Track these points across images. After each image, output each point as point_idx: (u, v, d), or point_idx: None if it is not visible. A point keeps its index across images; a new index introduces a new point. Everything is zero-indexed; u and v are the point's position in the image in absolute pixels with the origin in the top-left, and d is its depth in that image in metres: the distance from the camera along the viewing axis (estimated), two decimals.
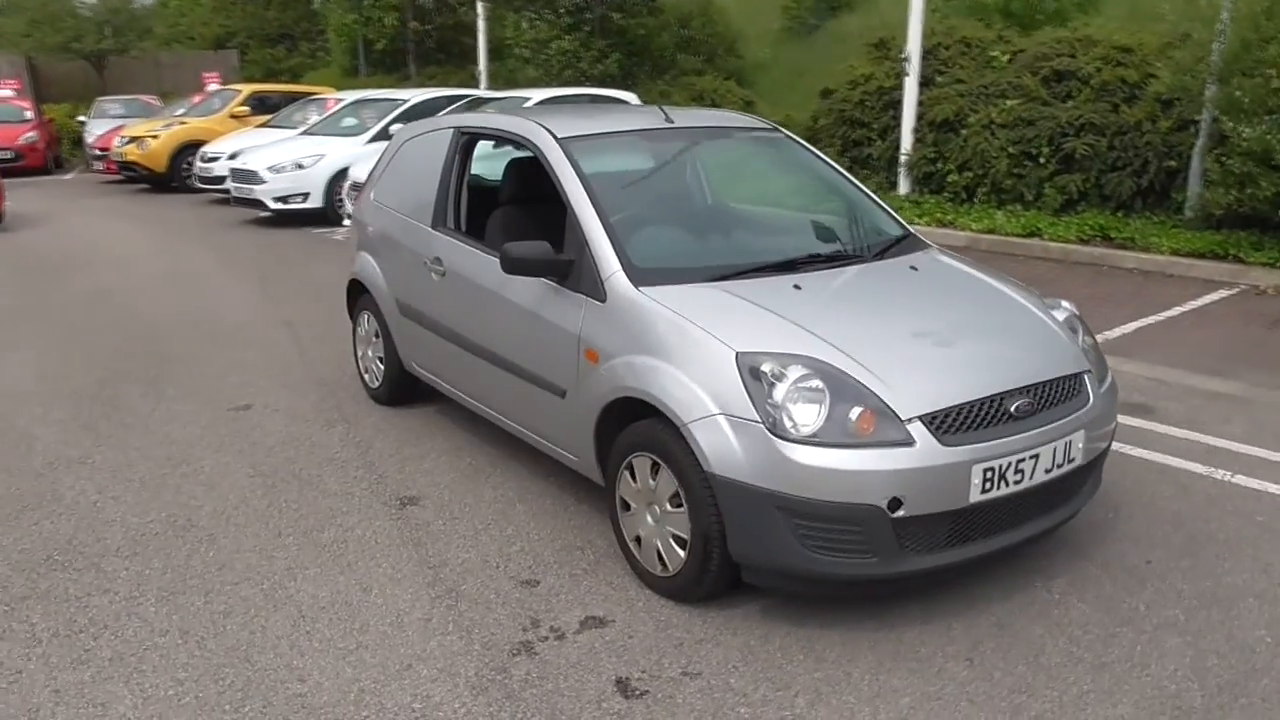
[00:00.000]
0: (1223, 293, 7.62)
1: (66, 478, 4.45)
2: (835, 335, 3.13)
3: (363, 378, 5.49)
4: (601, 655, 3.01)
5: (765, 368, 2.97)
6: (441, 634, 3.14)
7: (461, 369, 4.39)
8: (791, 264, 3.67)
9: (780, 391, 2.93)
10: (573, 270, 3.61)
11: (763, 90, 18.15)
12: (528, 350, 3.83)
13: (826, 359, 3.00)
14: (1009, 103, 10.06)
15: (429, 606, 3.31)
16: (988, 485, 2.98)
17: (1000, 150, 9.94)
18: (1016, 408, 3.08)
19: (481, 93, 12.87)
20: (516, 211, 4.57)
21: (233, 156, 12.84)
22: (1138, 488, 4.11)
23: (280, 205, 11.69)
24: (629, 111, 5.17)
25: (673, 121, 4.31)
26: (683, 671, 2.92)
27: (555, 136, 3.98)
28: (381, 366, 5.23)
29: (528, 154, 4.58)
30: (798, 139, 4.62)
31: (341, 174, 11.31)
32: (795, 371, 2.95)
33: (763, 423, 2.90)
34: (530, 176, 4.54)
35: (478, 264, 4.16)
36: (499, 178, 4.76)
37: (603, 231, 3.57)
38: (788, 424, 2.90)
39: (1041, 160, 9.76)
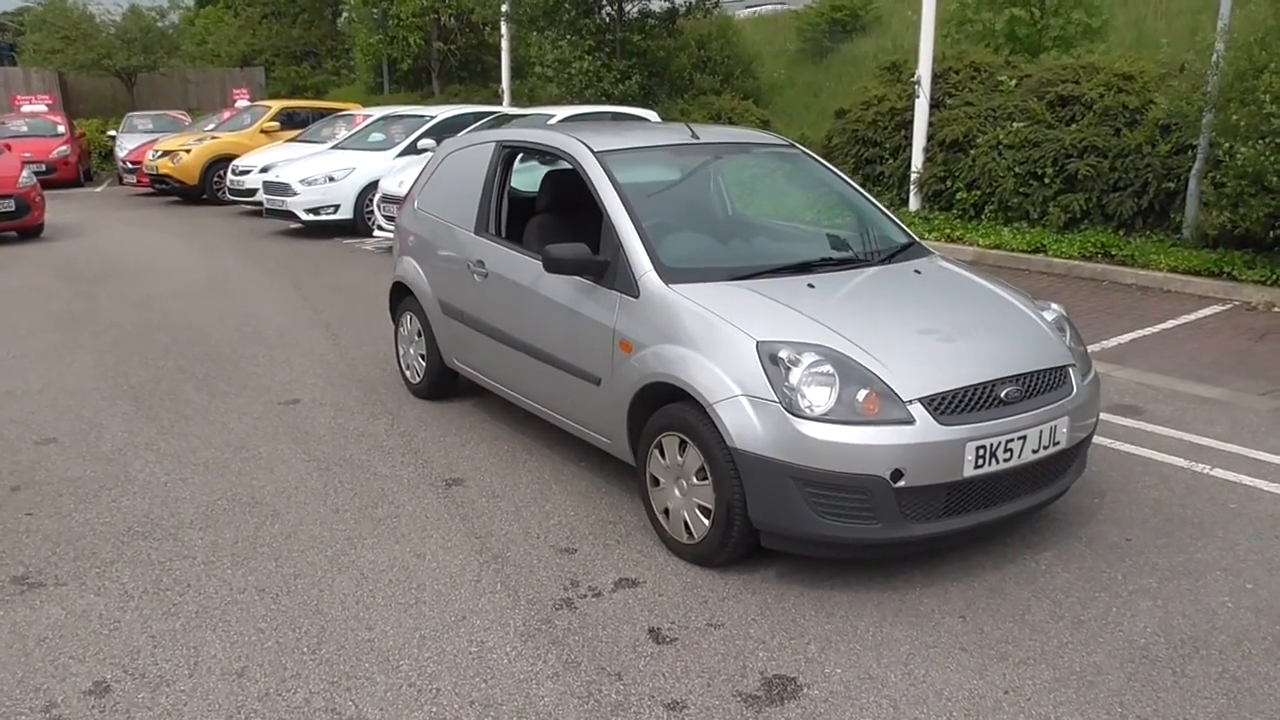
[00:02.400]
0: (1216, 308, 7.97)
1: (136, 462, 4.85)
2: (844, 327, 3.52)
3: (404, 374, 5.89)
4: (635, 609, 3.38)
5: (782, 354, 3.36)
6: (490, 592, 3.52)
7: (502, 363, 4.78)
8: (806, 266, 4.07)
9: (795, 375, 3.31)
10: (608, 270, 4.01)
11: (778, 110, 18.60)
12: (565, 343, 4.22)
13: (836, 347, 3.38)
14: (1016, 125, 10.45)
15: (478, 570, 3.69)
16: (980, 461, 3.35)
17: (1007, 170, 10.33)
18: (1006, 394, 3.45)
19: (507, 110, 13.33)
20: (552, 219, 4.98)
21: (265, 170, 13.32)
22: (1123, 478, 4.47)
23: (311, 216, 12.14)
24: (657, 128, 5.58)
25: (698, 137, 4.73)
26: (708, 623, 3.29)
27: (592, 150, 4.39)
28: (423, 363, 5.63)
29: (564, 166, 5.01)
30: (812, 154, 5.02)
31: (371, 187, 11.77)
32: (809, 357, 3.33)
33: (780, 402, 3.29)
34: (566, 187, 4.96)
35: (518, 266, 4.56)
36: (533, 188, 5.17)
37: (636, 235, 3.97)
38: (802, 404, 3.28)
39: (1046, 180, 10.14)
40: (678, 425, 3.63)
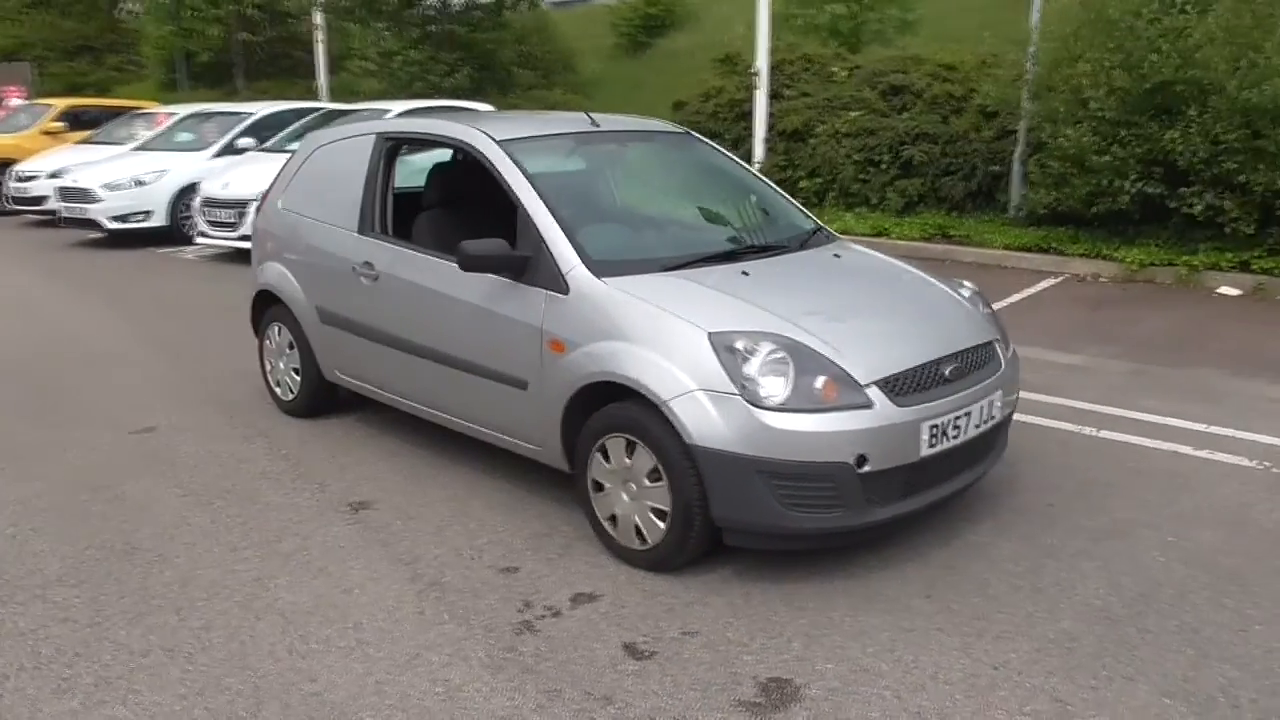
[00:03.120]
0: (1050, 281, 8.49)
1: None
2: (790, 314, 3.44)
3: (273, 391, 5.41)
4: (601, 625, 3.18)
5: (739, 345, 3.24)
6: (439, 623, 3.23)
7: (402, 373, 4.44)
8: (733, 254, 3.97)
9: (753, 366, 3.20)
10: (528, 266, 3.77)
11: (601, 105, 18.51)
12: (483, 347, 3.94)
13: (789, 334, 3.29)
14: (852, 114, 10.79)
15: (417, 600, 3.38)
16: (933, 440, 3.35)
17: (846, 158, 10.66)
18: (950, 371, 3.47)
19: (336, 105, 12.60)
20: (443, 215, 4.68)
21: (56, 175, 12.08)
22: (1026, 446, 4.62)
23: (118, 225, 11.10)
24: (555, 116, 5.37)
25: (598, 125, 4.54)
26: (682, 631, 3.13)
27: (496, 139, 4.13)
28: (298, 378, 5.18)
29: (447, 158, 4.72)
30: (708, 141, 4.94)
31: (188, 190, 10.87)
32: (765, 347, 3.23)
33: (740, 395, 3.17)
34: (456, 180, 4.68)
35: (419, 266, 4.24)
36: (410, 184, 4.84)
37: (558, 228, 3.75)
38: (762, 394, 3.17)
39: (883, 166, 10.52)
40: (624, 426, 3.45)
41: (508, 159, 4.03)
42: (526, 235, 3.81)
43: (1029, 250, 9.07)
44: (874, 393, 3.24)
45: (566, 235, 3.73)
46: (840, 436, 3.17)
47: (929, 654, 2.97)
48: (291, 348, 5.17)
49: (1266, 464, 4.37)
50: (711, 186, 4.70)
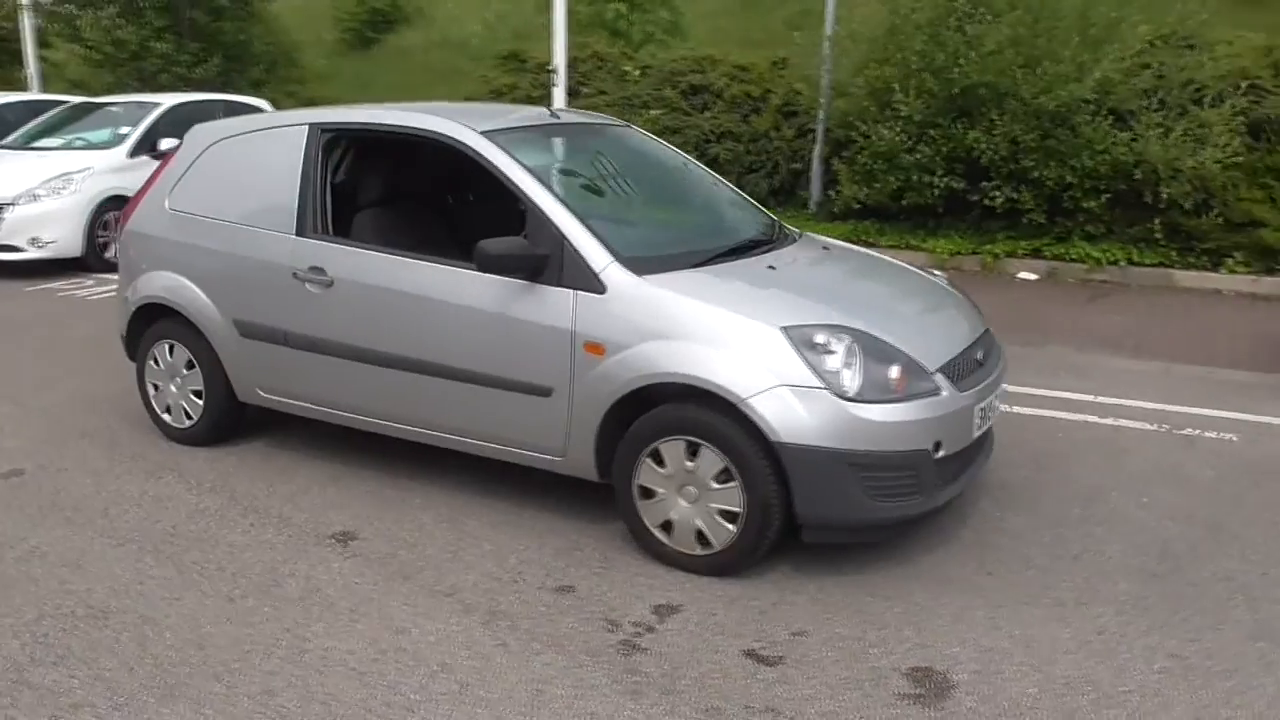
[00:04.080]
0: None
1: None
2: (843, 306, 3.46)
3: (161, 419, 4.69)
4: (706, 636, 3.05)
5: (819, 339, 3.21)
6: (534, 654, 2.96)
7: (365, 387, 4.01)
8: (736, 249, 3.92)
9: (835, 359, 3.19)
10: (547, 266, 3.53)
11: (336, 100, 17.49)
12: (492, 354, 3.64)
13: (858, 326, 3.31)
14: (653, 113, 10.98)
15: (487, 632, 3.08)
16: (980, 423, 3.51)
17: None
18: (980, 356, 3.64)
19: (93, 99, 10.96)
20: (389, 213, 4.31)
21: None
22: None
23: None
24: (516, 108, 5.10)
25: (558, 117, 4.34)
26: (790, 633, 3.07)
27: (478, 131, 3.83)
28: (199, 401, 4.53)
29: (383, 152, 4.36)
30: (652, 135, 4.86)
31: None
32: (844, 339, 3.23)
33: (827, 389, 3.15)
34: (402, 175, 4.32)
35: (397, 270, 3.85)
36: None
37: (579, 224, 3.54)
38: (845, 387, 3.17)
39: None
40: (686, 428, 3.32)
41: (502, 152, 3.75)
42: (540, 233, 3.56)
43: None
44: (940, 379, 3.33)
45: (591, 232, 3.53)
46: (920, 424, 3.23)
47: (1034, 628, 3.10)
48: (190, 367, 4.51)
49: (1165, 426, 4.94)
50: (681, 180, 4.61)
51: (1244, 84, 8.38)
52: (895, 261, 4.37)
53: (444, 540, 3.69)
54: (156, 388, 4.68)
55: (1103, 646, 2.99)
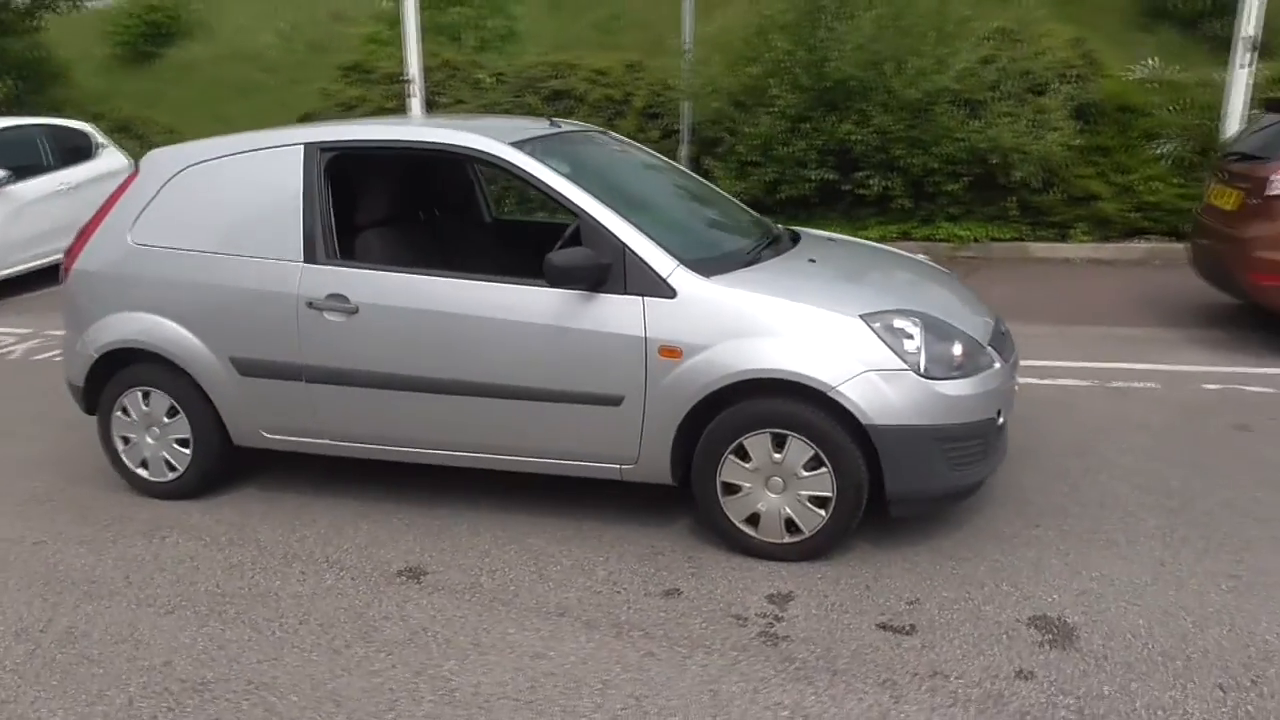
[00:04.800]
0: None
1: None
2: (896, 292, 3.68)
3: (134, 474, 4.31)
4: (833, 616, 3.17)
5: (896, 323, 3.40)
6: (688, 658, 2.98)
7: (398, 416, 3.86)
8: (765, 247, 4.06)
9: (913, 341, 3.39)
10: (608, 275, 3.54)
11: (130, 119, 16.19)
12: (554, 368, 3.61)
13: (920, 309, 3.53)
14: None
15: (624, 644, 3.07)
16: (1013, 394, 3.81)
17: None
18: (1004, 330, 3.95)
19: None
20: (391, 233, 4.19)
21: None
22: None
23: None
24: (515, 119, 5.03)
25: (559, 126, 4.34)
26: (906, 602, 3.24)
27: (508, 143, 3.79)
28: (186, 451, 4.21)
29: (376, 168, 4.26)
30: (628, 141, 4.93)
31: None
32: (916, 322, 3.43)
33: (911, 370, 3.34)
34: (400, 191, 4.23)
35: (437, 290, 3.73)
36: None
37: (637, 231, 3.58)
38: (924, 366, 3.38)
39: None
40: (772, 421, 3.43)
41: (540, 164, 3.72)
42: (598, 242, 3.56)
43: None
44: (992, 353, 3.60)
45: (650, 238, 3.57)
46: (986, 395, 3.48)
47: (1106, 568, 3.41)
48: (173, 414, 4.18)
49: (1096, 381, 5.48)
50: (681, 183, 4.69)
51: (1070, 73, 9.31)
52: (893, 249, 4.63)
53: (518, 562, 3.63)
54: (127, 440, 4.30)
55: (1171, 577, 3.33)
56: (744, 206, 4.85)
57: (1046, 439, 4.61)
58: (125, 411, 4.26)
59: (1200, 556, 3.46)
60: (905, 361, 3.34)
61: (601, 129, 4.93)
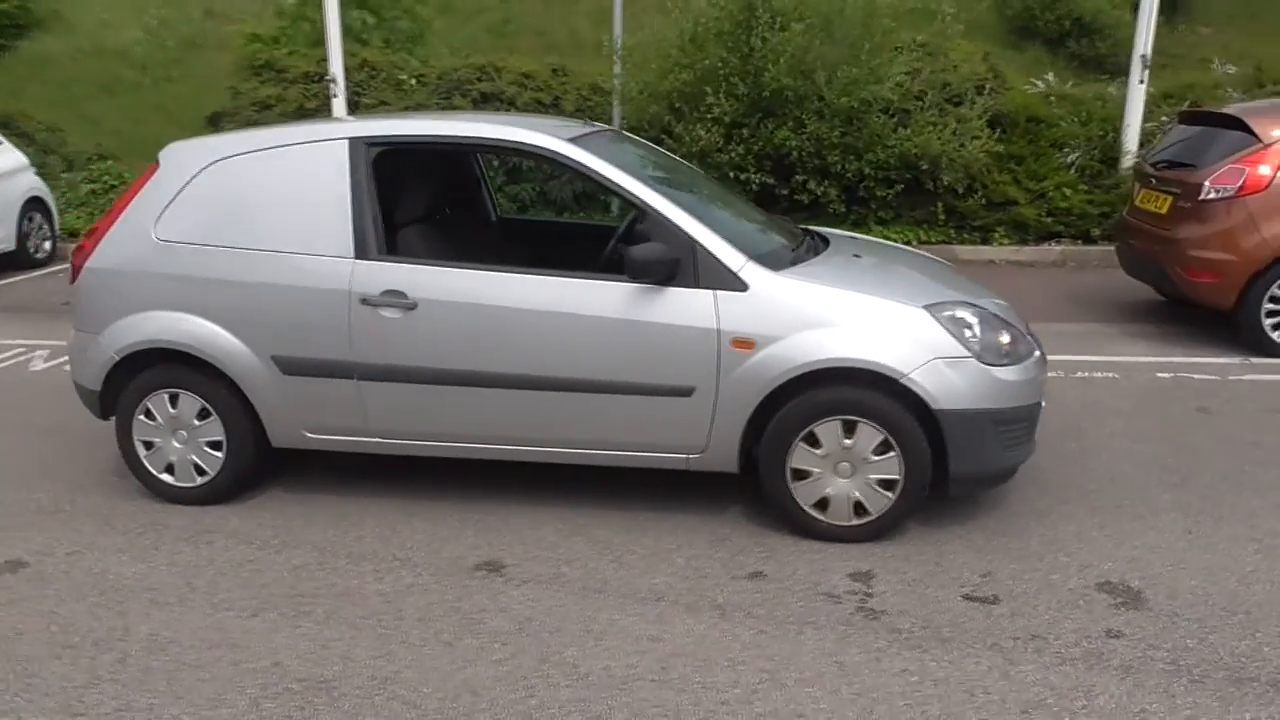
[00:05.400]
0: None
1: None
2: (944, 285, 3.91)
3: (157, 480, 4.15)
4: (918, 590, 3.36)
5: (956, 314, 3.63)
6: (792, 634, 3.12)
7: (458, 412, 3.85)
8: (807, 243, 4.24)
9: (972, 330, 3.63)
10: (678, 269, 3.65)
11: None
12: (624, 361, 3.68)
13: (972, 300, 3.77)
14: None
15: (732, 624, 3.18)
16: None
17: None
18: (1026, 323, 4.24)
19: None
20: (432, 227, 4.22)
21: None
22: None
23: None
24: (554, 119, 5.02)
25: (595, 126, 4.42)
26: (980, 575, 3.47)
27: (565, 139, 3.85)
28: (219, 454, 4.08)
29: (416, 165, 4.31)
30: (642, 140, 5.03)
31: None
32: (975, 312, 3.67)
33: (974, 357, 3.58)
34: (429, 186, 4.27)
35: (502, 286, 3.75)
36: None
37: (704, 227, 3.70)
38: (983, 354, 3.62)
39: (490, 174, 10.77)
40: (844, 408, 3.60)
41: (605, 161, 3.80)
42: (667, 237, 3.66)
43: None
44: (1033, 342, 3.87)
45: (719, 233, 3.70)
46: (1034, 381, 3.75)
47: (1143, 537, 3.72)
48: (204, 417, 4.05)
49: (1063, 371, 5.88)
50: (705, 183, 4.81)
51: (985, 86, 9.90)
52: (903, 246, 4.88)
53: (592, 552, 3.68)
54: (150, 445, 4.13)
55: (1202, 542, 3.67)
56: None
57: (1053, 428, 4.93)
58: (149, 415, 4.09)
59: (1218, 524, 3.81)
60: (967, 349, 3.57)
61: (615, 130, 5.00)
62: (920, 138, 9.24)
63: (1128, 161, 9.63)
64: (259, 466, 4.16)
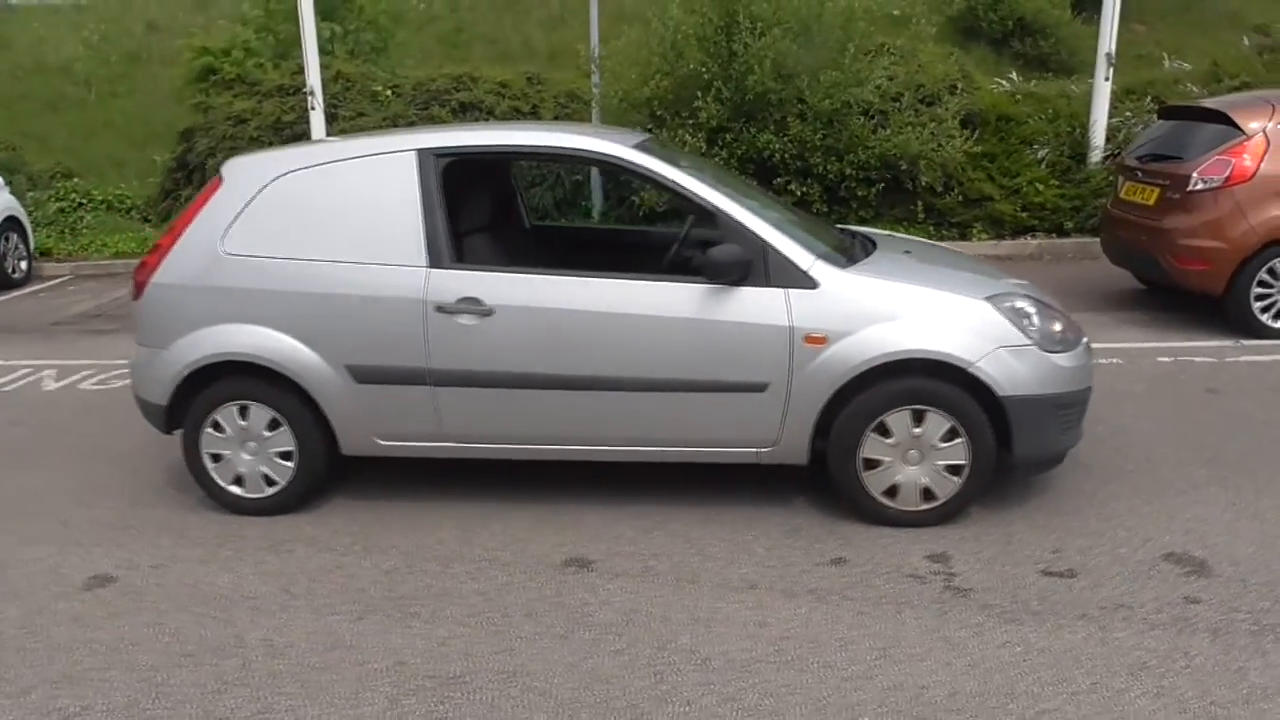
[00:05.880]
0: None
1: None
2: (995, 278, 4.10)
3: (225, 492, 4.18)
4: (996, 568, 3.54)
5: (1016, 304, 3.82)
6: (890, 615, 3.26)
7: (532, 415, 3.94)
8: (855, 241, 4.41)
9: (1034, 319, 3.82)
10: (750, 269, 3.79)
11: None
12: (699, 360, 3.79)
13: (1026, 291, 3.97)
14: None
15: (829, 606, 3.32)
16: None
17: None
18: None
19: None
20: (486, 237, 4.32)
21: None
22: None
23: None
24: (601, 128, 5.07)
25: (642, 134, 4.54)
26: (1050, 551, 3.65)
27: (633, 146, 3.98)
28: (290, 464, 4.12)
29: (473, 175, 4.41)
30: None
31: None
32: (1033, 303, 3.87)
33: (1036, 345, 3.77)
34: (490, 197, 4.36)
35: (578, 290, 3.85)
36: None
37: (773, 228, 3.84)
38: (1042, 342, 3.81)
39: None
40: (914, 398, 3.76)
41: (674, 168, 3.94)
42: (740, 239, 3.80)
43: None
44: (1080, 329, 4.08)
45: (787, 234, 3.85)
46: (1085, 367, 3.96)
47: (1192, 510, 3.94)
48: (274, 428, 4.09)
49: None
50: (746, 185, 4.95)
51: (956, 86, 10.22)
52: (936, 243, 5.07)
53: (673, 546, 3.80)
54: (217, 458, 4.15)
55: (1248, 512, 3.91)
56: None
57: None
58: (217, 427, 4.11)
59: (1258, 495, 4.05)
60: (1028, 337, 3.76)
61: (654, 137, 5.12)
62: (899, 138, 9.50)
63: (1096, 156, 10.02)
64: (327, 475, 4.20)
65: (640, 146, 4.05)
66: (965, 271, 4.24)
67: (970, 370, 3.69)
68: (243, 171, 4.14)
